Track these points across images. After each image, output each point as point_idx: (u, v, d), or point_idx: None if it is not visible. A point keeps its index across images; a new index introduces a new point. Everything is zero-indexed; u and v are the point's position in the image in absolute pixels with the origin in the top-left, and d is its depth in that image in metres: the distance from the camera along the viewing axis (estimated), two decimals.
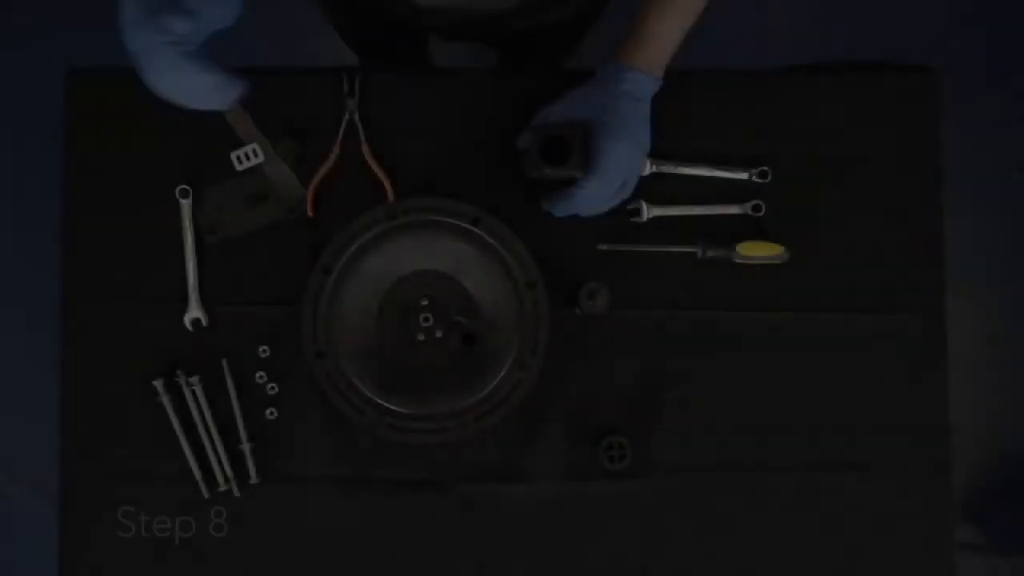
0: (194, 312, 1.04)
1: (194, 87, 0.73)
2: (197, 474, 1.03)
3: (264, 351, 1.05)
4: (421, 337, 1.04)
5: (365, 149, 1.05)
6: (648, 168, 1.06)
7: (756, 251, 1.06)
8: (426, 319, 1.04)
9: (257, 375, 1.05)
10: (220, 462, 1.04)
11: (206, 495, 1.04)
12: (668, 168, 1.07)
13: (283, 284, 1.05)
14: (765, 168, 1.08)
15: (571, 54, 1.42)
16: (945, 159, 1.10)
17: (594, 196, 0.96)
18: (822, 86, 1.11)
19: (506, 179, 1.06)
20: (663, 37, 0.94)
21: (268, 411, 1.05)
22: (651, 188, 1.07)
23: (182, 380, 1.04)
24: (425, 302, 1.04)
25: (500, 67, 1.48)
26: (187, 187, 1.05)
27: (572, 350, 1.06)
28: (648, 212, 1.06)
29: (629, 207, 1.06)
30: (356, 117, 1.06)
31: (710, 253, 1.05)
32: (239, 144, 1.05)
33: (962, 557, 1.08)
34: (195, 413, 1.04)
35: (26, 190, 1.98)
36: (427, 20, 1.08)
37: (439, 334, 1.04)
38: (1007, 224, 2.07)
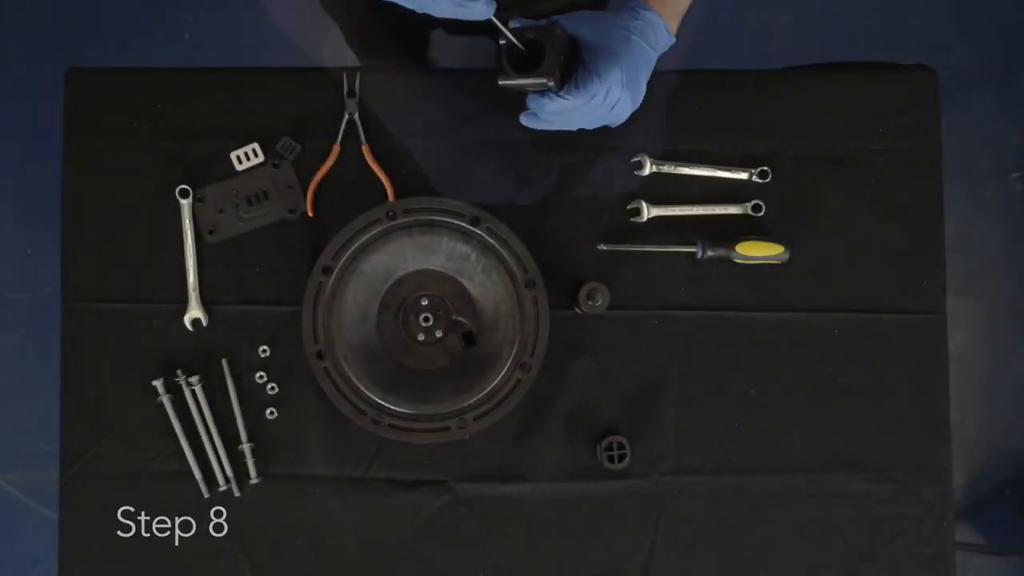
0: (194, 312, 1.04)
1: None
2: (197, 474, 1.03)
3: (264, 351, 1.05)
4: (421, 337, 1.04)
5: (365, 149, 1.05)
6: (648, 168, 1.06)
7: (756, 251, 1.06)
8: (426, 319, 1.04)
9: (257, 375, 1.05)
10: (220, 462, 1.04)
11: (206, 495, 1.04)
12: (668, 168, 1.07)
13: (283, 284, 1.05)
14: (765, 168, 1.08)
15: None
16: (945, 159, 1.10)
17: (569, 113, 0.87)
18: (822, 86, 1.11)
19: (506, 179, 1.06)
20: None
21: (268, 411, 1.05)
22: (651, 188, 1.07)
23: (182, 380, 1.04)
24: (425, 302, 1.04)
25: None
26: (187, 187, 1.05)
27: (572, 350, 1.06)
28: (648, 212, 1.06)
29: (629, 207, 1.07)
30: (356, 117, 1.06)
31: (710, 253, 1.05)
32: (239, 144, 1.05)
33: (962, 557, 1.08)
34: (195, 413, 1.04)
35: (26, 190, 1.98)
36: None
37: (439, 334, 1.04)
38: (1007, 224, 2.07)
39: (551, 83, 0.82)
